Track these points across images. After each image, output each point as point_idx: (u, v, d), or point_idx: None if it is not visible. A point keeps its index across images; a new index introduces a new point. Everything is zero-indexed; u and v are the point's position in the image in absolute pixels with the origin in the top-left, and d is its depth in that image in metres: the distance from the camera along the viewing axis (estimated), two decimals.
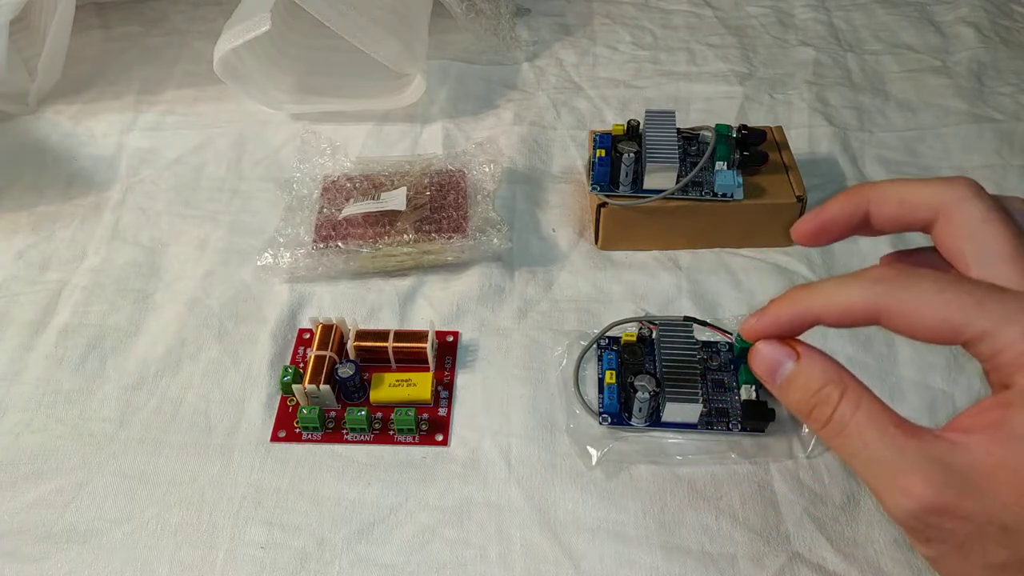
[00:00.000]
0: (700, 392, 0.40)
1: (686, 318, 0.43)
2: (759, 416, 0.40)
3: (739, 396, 0.41)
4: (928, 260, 0.29)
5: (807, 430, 0.40)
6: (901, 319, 0.24)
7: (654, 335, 0.44)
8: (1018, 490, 0.21)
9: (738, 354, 0.43)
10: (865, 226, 0.28)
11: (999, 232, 0.24)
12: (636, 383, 0.40)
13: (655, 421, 0.41)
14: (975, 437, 0.23)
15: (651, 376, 0.40)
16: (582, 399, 0.42)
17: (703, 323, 0.44)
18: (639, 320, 0.45)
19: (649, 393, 0.39)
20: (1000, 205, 0.25)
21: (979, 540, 0.22)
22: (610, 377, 0.41)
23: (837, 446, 0.25)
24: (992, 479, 0.22)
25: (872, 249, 0.50)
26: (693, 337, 0.42)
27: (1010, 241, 0.24)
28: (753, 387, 0.41)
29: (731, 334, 0.44)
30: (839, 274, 0.28)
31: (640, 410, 0.40)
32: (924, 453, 0.23)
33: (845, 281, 0.25)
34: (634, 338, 0.44)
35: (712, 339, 0.44)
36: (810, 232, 0.29)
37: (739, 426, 0.40)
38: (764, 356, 0.27)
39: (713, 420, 0.41)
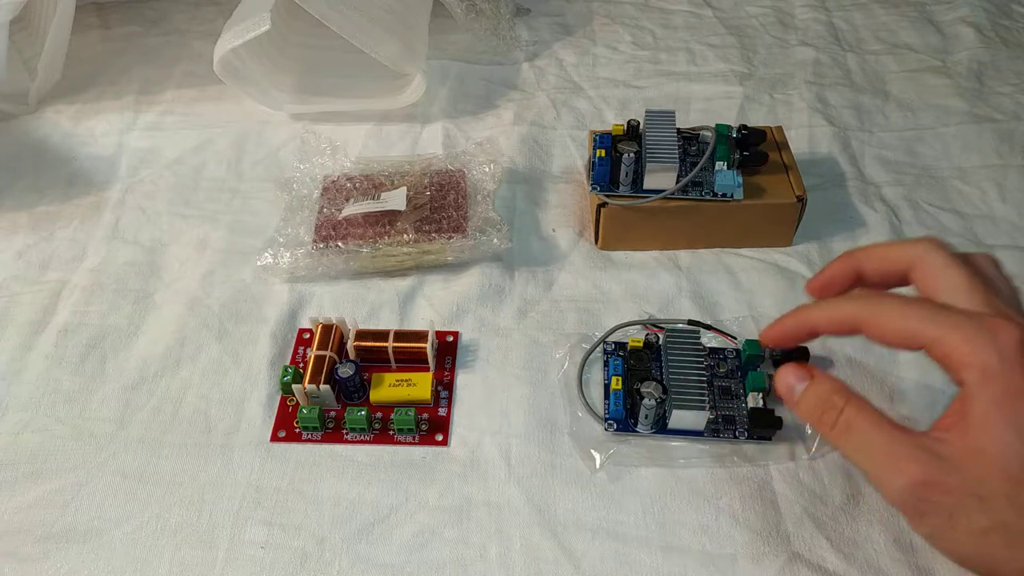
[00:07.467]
0: (708, 399, 0.39)
1: (690, 322, 0.43)
2: (767, 424, 0.39)
3: (746, 404, 0.41)
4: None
5: (811, 430, 0.40)
6: (875, 328, 0.31)
7: (661, 340, 0.43)
8: (986, 467, 0.27)
9: (745, 361, 0.42)
10: (858, 281, 0.35)
11: (958, 272, 0.31)
12: (643, 389, 0.39)
13: (661, 428, 0.40)
14: (951, 432, 0.28)
15: (658, 383, 0.40)
16: (587, 404, 0.42)
17: (707, 326, 0.43)
18: (641, 323, 0.45)
19: (656, 400, 0.39)
20: (959, 255, 0.32)
21: (963, 510, 0.27)
22: (616, 383, 0.41)
23: (843, 443, 0.31)
24: (966, 461, 0.28)
25: None
26: (700, 343, 0.41)
27: (966, 279, 0.30)
28: (760, 394, 0.40)
29: (736, 339, 0.44)
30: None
31: (646, 417, 0.40)
32: (914, 443, 0.29)
33: (837, 300, 0.33)
34: (641, 343, 0.43)
35: (720, 346, 0.44)
36: (817, 289, 0.35)
37: (746, 434, 0.40)
38: (784, 375, 0.33)
39: (720, 427, 0.40)
